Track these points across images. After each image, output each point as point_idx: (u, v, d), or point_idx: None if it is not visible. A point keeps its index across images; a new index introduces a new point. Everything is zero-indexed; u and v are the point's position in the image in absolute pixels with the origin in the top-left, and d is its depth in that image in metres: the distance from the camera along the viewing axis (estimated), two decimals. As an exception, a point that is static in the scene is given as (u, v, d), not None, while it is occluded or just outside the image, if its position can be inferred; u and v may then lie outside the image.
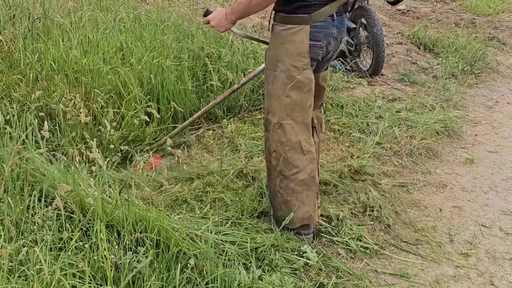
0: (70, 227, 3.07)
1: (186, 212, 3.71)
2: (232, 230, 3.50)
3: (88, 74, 4.88)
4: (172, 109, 4.94)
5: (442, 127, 5.41)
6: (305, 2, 3.22)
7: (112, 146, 4.26)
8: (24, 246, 2.81)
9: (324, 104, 3.81)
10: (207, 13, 3.51)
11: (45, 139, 3.77)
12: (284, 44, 3.31)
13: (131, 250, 2.99)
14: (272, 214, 3.69)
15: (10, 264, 2.74)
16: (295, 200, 3.54)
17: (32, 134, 3.84)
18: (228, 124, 5.05)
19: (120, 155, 4.39)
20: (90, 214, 3.13)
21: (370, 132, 5.11)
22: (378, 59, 6.33)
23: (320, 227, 3.81)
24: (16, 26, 5.18)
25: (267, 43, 3.56)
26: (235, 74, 5.43)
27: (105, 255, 2.81)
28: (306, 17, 3.24)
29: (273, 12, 3.39)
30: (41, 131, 3.72)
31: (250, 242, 3.37)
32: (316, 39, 3.29)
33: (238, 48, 5.85)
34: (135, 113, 4.71)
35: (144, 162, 4.15)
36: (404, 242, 3.85)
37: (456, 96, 6.22)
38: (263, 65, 4.59)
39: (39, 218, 2.98)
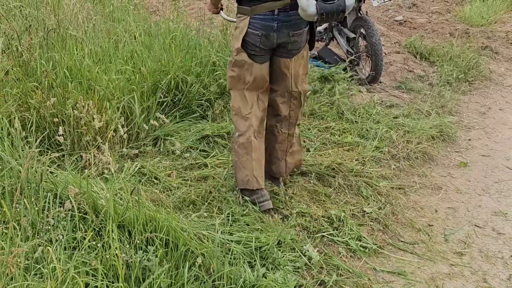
0: (84, 227, 3.08)
1: (193, 212, 3.72)
2: (237, 231, 3.52)
3: (100, 81, 4.89)
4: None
5: (437, 132, 5.40)
6: None
7: (124, 150, 4.28)
8: (39, 246, 2.82)
9: (302, 100, 4.05)
10: None
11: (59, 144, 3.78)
12: (235, 29, 3.84)
13: (141, 249, 2.99)
14: None
15: (26, 262, 2.75)
16: (238, 162, 3.94)
17: (48, 139, 3.86)
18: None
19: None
20: (103, 215, 3.14)
21: (369, 137, 5.12)
22: (377, 67, 6.33)
23: (322, 227, 3.82)
24: (32, 36, 5.18)
25: None
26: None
27: (116, 254, 2.82)
28: (247, 9, 3.71)
29: None
30: (56, 136, 3.74)
31: (255, 242, 3.38)
32: (254, 28, 3.71)
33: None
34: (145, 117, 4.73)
35: None
36: (402, 241, 3.86)
37: (451, 103, 6.21)
38: None
39: (52, 218, 2.98)
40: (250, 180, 3.89)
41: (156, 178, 4.14)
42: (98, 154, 3.69)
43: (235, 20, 3.90)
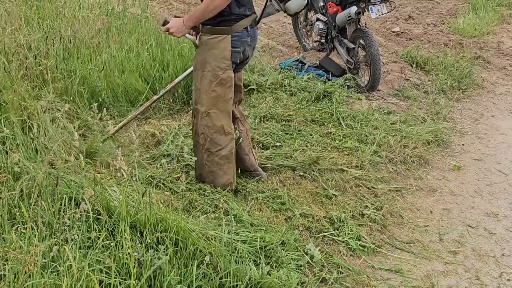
0: (98, 227, 3.08)
1: (200, 214, 3.72)
2: (243, 231, 3.52)
3: (112, 88, 4.91)
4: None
5: (432, 138, 5.39)
6: (226, 17, 3.70)
7: (136, 154, 4.28)
8: (56, 245, 2.82)
9: (242, 100, 4.35)
10: (165, 23, 3.77)
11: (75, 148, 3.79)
12: (211, 50, 3.77)
13: (152, 248, 3.00)
14: (202, 181, 4.15)
15: (43, 260, 2.76)
16: (219, 171, 4.05)
17: (63, 144, 3.86)
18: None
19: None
20: (116, 216, 3.14)
21: (367, 142, 5.11)
22: (375, 76, 6.32)
23: (323, 227, 3.82)
24: (49, 46, 5.20)
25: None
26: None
27: (129, 253, 2.82)
28: (228, 28, 3.73)
29: (201, 25, 3.79)
30: (72, 141, 3.74)
31: (260, 241, 3.38)
32: (235, 46, 3.78)
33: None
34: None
35: None
36: (399, 241, 3.85)
37: (445, 110, 6.20)
38: (180, 77, 4.90)
39: (68, 219, 2.99)
40: (232, 182, 4.13)
41: (165, 181, 4.14)
42: (112, 159, 3.70)
43: (194, 39, 3.90)
